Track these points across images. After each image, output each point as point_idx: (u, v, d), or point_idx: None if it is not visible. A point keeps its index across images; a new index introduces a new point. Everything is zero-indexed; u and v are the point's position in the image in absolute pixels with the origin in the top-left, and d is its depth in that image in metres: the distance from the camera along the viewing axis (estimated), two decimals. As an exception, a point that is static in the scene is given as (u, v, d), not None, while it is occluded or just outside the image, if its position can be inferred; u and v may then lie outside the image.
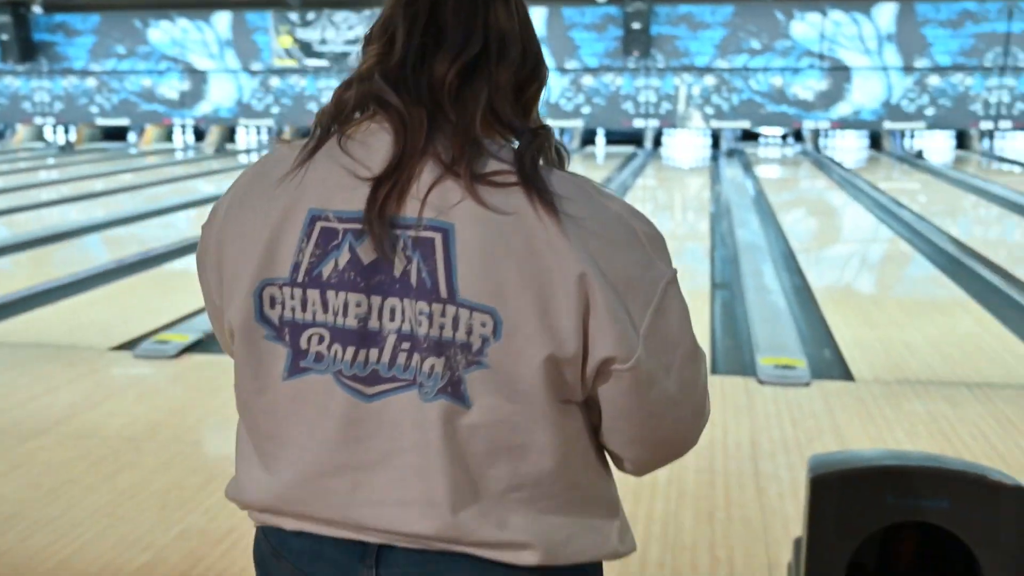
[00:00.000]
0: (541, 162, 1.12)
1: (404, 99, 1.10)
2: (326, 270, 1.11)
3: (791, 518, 3.23)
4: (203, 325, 5.67)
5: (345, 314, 1.10)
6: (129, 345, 5.39)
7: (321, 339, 1.11)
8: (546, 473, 1.12)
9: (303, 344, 1.13)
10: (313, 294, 1.11)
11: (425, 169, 1.08)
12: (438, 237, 1.07)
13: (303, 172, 1.15)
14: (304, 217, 1.12)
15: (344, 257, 1.10)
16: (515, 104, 1.15)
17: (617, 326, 1.08)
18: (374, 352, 1.10)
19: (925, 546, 2.03)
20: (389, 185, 1.08)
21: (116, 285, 7.18)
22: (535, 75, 1.18)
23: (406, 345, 1.09)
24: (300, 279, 1.12)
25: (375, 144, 1.11)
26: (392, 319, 1.09)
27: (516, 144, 1.14)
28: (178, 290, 7.02)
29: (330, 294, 1.10)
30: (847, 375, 4.92)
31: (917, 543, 2.05)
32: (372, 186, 1.08)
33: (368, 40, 1.19)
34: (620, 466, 1.25)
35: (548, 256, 1.06)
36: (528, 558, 1.12)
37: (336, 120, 1.17)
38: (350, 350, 1.10)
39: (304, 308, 1.12)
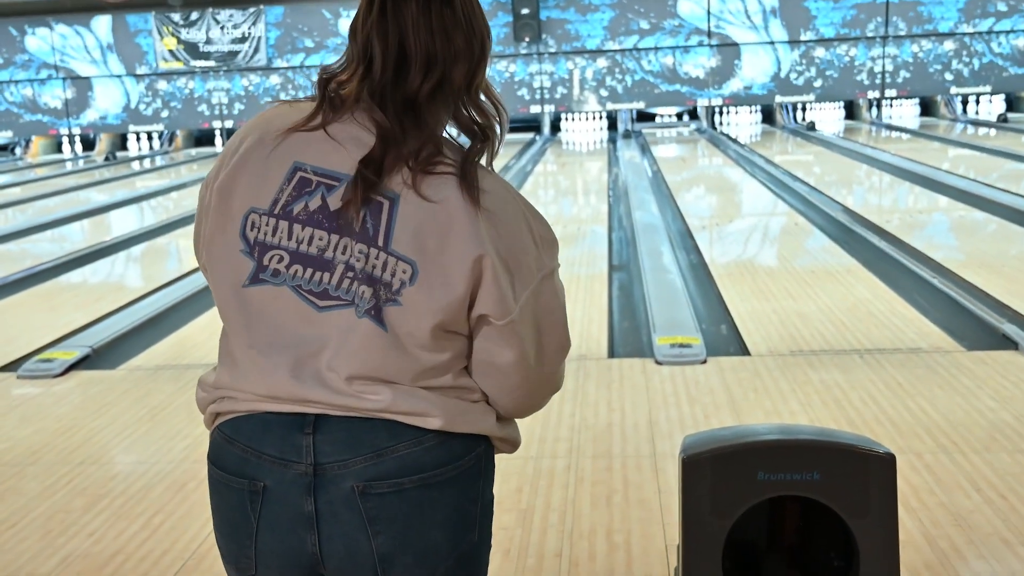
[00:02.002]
0: (484, 158, 1.49)
1: (388, 115, 1.43)
2: (297, 208, 1.44)
3: (687, 497, 3.24)
4: (90, 340, 5.51)
5: (309, 244, 1.44)
6: (13, 366, 5.20)
7: (281, 259, 1.45)
8: (439, 375, 1.47)
9: (265, 261, 1.45)
10: (283, 224, 1.44)
11: (393, 159, 1.42)
12: (387, 203, 1.42)
13: (296, 134, 1.47)
14: (289, 166, 1.46)
15: (315, 202, 1.43)
16: (468, 91, 1.48)
17: (498, 294, 1.44)
18: (327, 276, 1.43)
19: (806, 519, 2.04)
20: (371, 169, 1.41)
21: (0, 303, 6.92)
22: (483, 58, 1.49)
23: (351, 274, 1.42)
24: (276, 211, 1.45)
25: (357, 133, 1.44)
26: (343, 253, 1.43)
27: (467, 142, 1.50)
28: (68, 305, 6.81)
29: (296, 227, 1.44)
30: (743, 350, 4.98)
31: (799, 516, 2.06)
32: (359, 166, 1.41)
33: (350, 57, 1.49)
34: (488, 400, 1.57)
35: (458, 237, 1.41)
36: (433, 422, 1.46)
37: (326, 101, 1.48)
38: (309, 271, 1.44)
39: (273, 234, 1.45)
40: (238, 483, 1.48)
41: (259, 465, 1.47)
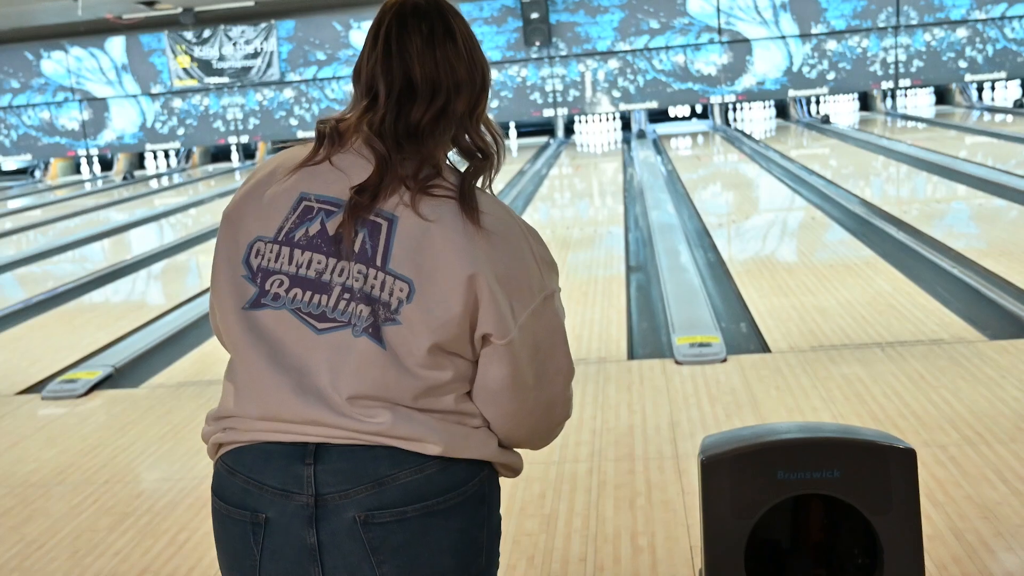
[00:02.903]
0: (481, 181, 1.54)
1: (387, 145, 1.47)
2: (298, 234, 1.49)
3: (711, 497, 3.23)
4: (112, 359, 5.55)
5: (308, 267, 1.48)
6: (38, 387, 5.24)
7: (281, 283, 1.49)
8: (440, 395, 1.48)
9: (267, 286, 1.50)
10: (285, 250, 1.49)
11: (389, 183, 1.47)
12: (385, 224, 1.46)
13: (305, 168, 1.53)
14: (296, 197, 1.51)
15: (315, 227, 1.48)
16: (470, 119, 1.54)
17: (497, 313, 1.46)
18: (324, 298, 1.46)
19: (829, 517, 2.03)
20: (366, 195, 1.46)
21: (24, 326, 6.97)
22: (484, 89, 1.56)
23: (347, 296, 1.46)
24: (279, 239, 1.50)
25: (358, 161, 1.49)
26: (340, 275, 1.46)
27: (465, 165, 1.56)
28: (90, 325, 6.86)
29: (296, 252, 1.48)
30: (763, 347, 4.96)
31: (822, 514, 2.05)
32: (353, 191, 1.46)
33: (355, 89, 1.57)
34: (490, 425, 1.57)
35: (451, 256, 1.44)
36: (432, 448, 1.45)
37: (328, 136, 1.54)
38: (308, 294, 1.47)
39: (276, 260, 1.49)
40: (240, 515, 1.49)
41: (260, 497, 1.47)
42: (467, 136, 1.55)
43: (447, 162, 1.56)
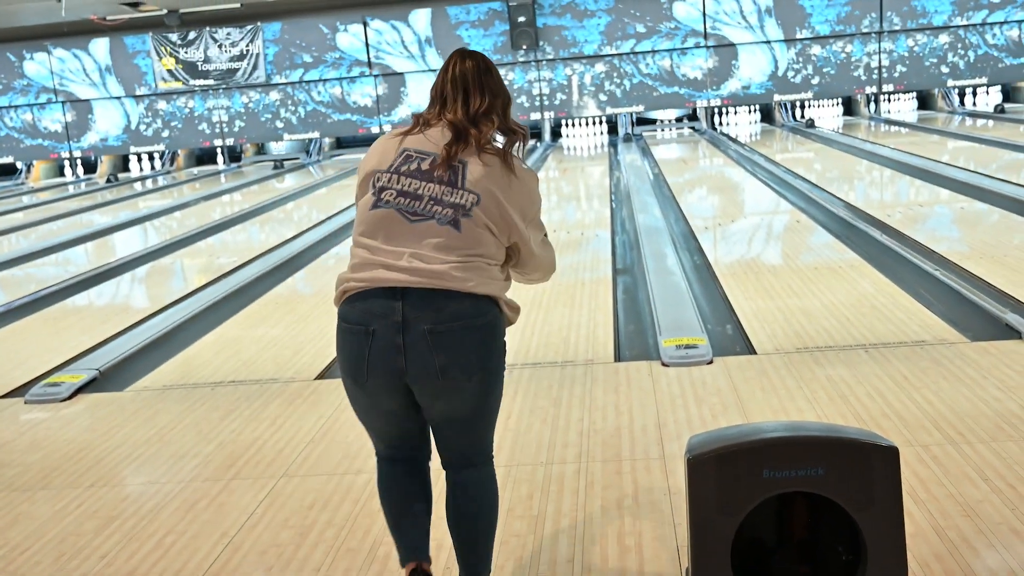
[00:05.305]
0: (517, 150, 2.61)
1: (461, 125, 2.54)
2: (403, 168, 2.52)
3: (696, 497, 3.23)
4: (97, 362, 5.53)
5: (408, 186, 2.50)
6: (21, 391, 5.21)
7: (392, 194, 2.50)
8: (486, 253, 2.51)
9: (382, 196, 2.52)
10: (394, 177, 2.52)
11: (462, 145, 2.53)
12: (461, 166, 2.51)
13: (405, 136, 2.60)
14: (401, 149, 2.57)
15: (414, 165, 2.51)
16: (503, 115, 2.61)
17: (522, 223, 2.57)
18: (417, 203, 2.49)
19: (813, 514, 2.04)
20: (452, 149, 2.50)
21: (7, 329, 6.93)
22: (510, 98, 2.68)
23: (432, 202, 2.48)
24: (391, 170, 2.55)
25: (442, 133, 2.55)
26: (429, 191, 2.48)
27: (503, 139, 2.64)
28: (74, 328, 6.83)
29: (402, 178, 2.51)
30: (749, 349, 4.98)
31: (806, 512, 2.07)
32: (445, 147, 2.51)
33: (432, 96, 2.64)
34: (519, 277, 2.75)
35: (496, 187, 2.51)
36: (470, 286, 2.46)
37: (420, 122, 2.62)
38: (407, 199, 2.49)
39: (389, 181, 2.52)
40: (358, 329, 2.47)
41: (370, 317, 2.45)
42: (503, 123, 2.60)
43: (494, 138, 2.57)
